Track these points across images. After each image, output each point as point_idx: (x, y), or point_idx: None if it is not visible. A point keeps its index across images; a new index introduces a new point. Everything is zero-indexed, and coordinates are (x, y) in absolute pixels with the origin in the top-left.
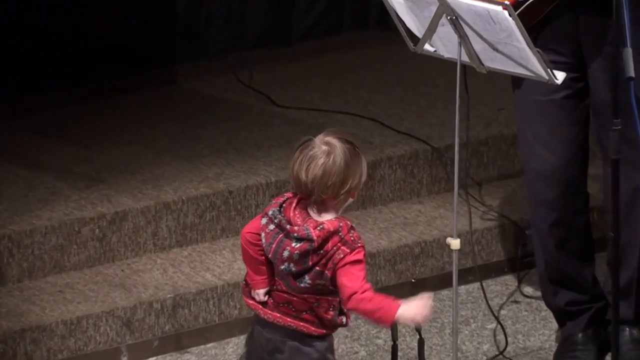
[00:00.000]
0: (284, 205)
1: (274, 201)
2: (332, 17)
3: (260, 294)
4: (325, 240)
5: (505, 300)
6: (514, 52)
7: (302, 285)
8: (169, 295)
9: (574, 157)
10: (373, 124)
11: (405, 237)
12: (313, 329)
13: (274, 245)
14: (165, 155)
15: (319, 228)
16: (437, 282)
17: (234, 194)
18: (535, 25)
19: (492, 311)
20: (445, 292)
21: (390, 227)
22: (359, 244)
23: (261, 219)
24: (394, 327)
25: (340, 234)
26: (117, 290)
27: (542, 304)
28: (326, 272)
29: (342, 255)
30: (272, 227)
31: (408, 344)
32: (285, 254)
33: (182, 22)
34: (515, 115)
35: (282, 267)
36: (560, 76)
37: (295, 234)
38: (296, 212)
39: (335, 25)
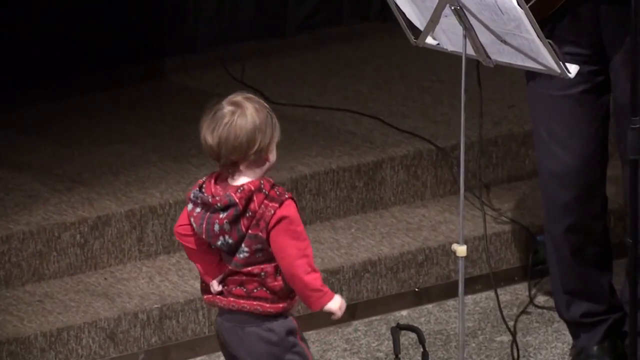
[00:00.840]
0: (204, 185)
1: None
2: (330, 7)
3: (214, 284)
4: (249, 200)
5: (516, 311)
6: (523, 44)
7: (241, 256)
8: (155, 306)
9: (592, 157)
10: (374, 122)
11: (409, 243)
12: (268, 305)
13: (204, 225)
14: (151, 155)
15: (239, 190)
16: (442, 292)
17: None
18: (552, 16)
19: (505, 321)
20: (450, 302)
21: (392, 233)
22: (286, 196)
23: (187, 207)
24: (396, 339)
25: (263, 190)
26: (100, 300)
27: (555, 315)
28: (260, 234)
29: (272, 212)
30: (198, 209)
31: (411, 357)
32: (216, 227)
33: (169, 13)
34: (530, 111)
35: (219, 243)
36: (573, 69)
37: (219, 204)
38: (217, 187)
39: (334, 15)
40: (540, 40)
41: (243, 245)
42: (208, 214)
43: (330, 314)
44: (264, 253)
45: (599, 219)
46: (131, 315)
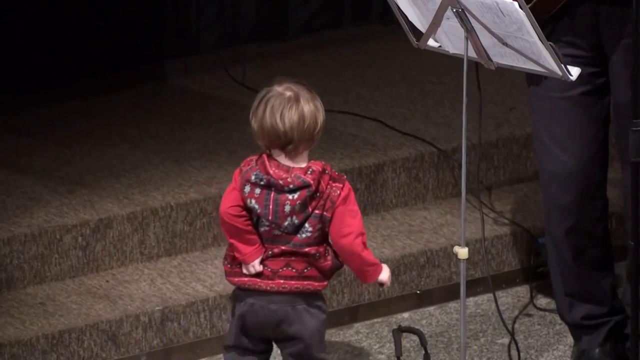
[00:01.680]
0: (257, 167)
1: (242, 170)
2: (332, 10)
3: (256, 265)
4: (319, 182)
5: (518, 314)
6: (524, 46)
7: (303, 236)
8: (157, 308)
9: (593, 159)
10: (375, 124)
11: (410, 245)
12: (317, 284)
13: (270, 206)
14: (152, 157)
15: (309, 172)
16: (443, 294)
17: None
18: (552, 17)
19: (504, 324)
20: (452, 305)
21: (393, 235)
22: (344, 176)
23: (242, 189)
24: (397, 342)
25: (327, 171)
26: (101, 302)
27: (557, 317)
28: (325, 213)
29: (338, 192)
30: (258, 190)
31: (413, 359)
32: (287, 208)
33: (170, 16)
34: (530, 113)
35: (286, 223)
36: (574, 72)
37: (291, 186)
38: (274, 169)
39: (335, 18)
40: (542, 43)
41: (307, 225)
42: (273, 195)
43: (381, 284)
44: (322, 233)
45: (600, 221)
46: (133, 318)
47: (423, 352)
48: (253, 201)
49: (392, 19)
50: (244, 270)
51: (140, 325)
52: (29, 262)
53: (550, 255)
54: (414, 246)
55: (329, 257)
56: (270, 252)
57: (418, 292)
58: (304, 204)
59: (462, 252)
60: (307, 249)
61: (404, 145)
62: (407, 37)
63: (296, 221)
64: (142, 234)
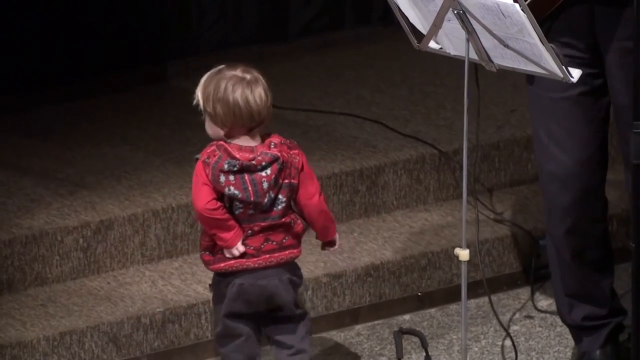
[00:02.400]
0: (225, 155)
1: (208, 162)
2: (333, 12)
3: (239, 246)
4: (282, 153)
5: (517, 315)
6: (525, 48)
7: (279, 207)
8: (158, 310)
9: (591, 159)
10: (376, 126)
11: (411, 247)
12: (295, 251)
13: (250, 188)
14: (153, 159)
15: (272, 146)
16: (444, 296)
17: None
18: (548, 17)
19: (502, 325)
20: (453, 307)
21: (394, 237)
22: (294, 141)
23: (216, 181)
24: (398, 343)
25: (283, 142)
26: (102, 304)
27: (557, 319)
28: (292, 181)
29: (297, 158)
30: (232, 177)
31: None
32: (265, 185)
33: (171, 17)
34: (530, 113)
35: (265, 200)
36: (575, 74)
37: (263, 163)
38: (239, 152)
39: (336, 20)
40: (543, 45)
41: (280, 196)
42: (247, 176)
43: (333, 244)
44: (290, 201)
45: (599, 221)
46: (134, 319)
47: (424, 354)
48: (232, 188)
49: (393, 21)
50: (227, 255)
51: (142, 327)
52: (30, 263)
53: (550, 256)
54: (415, 248)
55: (299, 221)
56: (250, 232)
57: (419, 294)
58: (277, 177)
59: (463, 253)
60: (283, 219)
61: (405, 147)
62: (408, 38)
63: (272, 195)
64: (143, 235)
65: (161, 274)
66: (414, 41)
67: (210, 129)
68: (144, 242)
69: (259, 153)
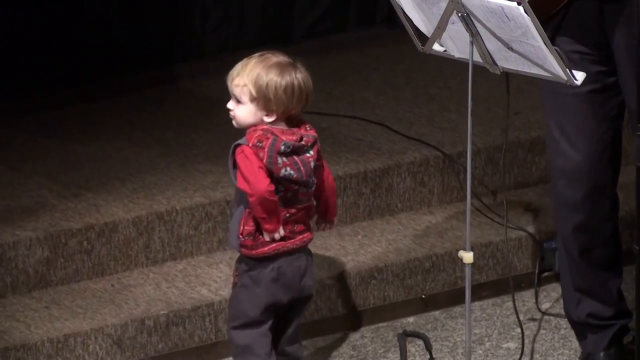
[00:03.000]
0: (276, 136)
1: (262, 145)
2: (337, 14)
3: (280, 230)
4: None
5: (523, 318)
6: (529, 50)
7: (313, 188)
8: (162, 312)
9: (601, 157)
10: (380, 128)
11: (415, 250)
12: (311, 232)
13: (302, 169)
14: (158, 161)
15: (308, 127)
16: (448, 298)
17: (231, 203)
18: (557, 14)
19: (521, 326)
20: (457, 309)
21: (399, 239)
22: None
23: (274, 163)
24: (402, 346)
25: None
26: (106, 306)
27: (562, 322)
28: (317, 162)
29: (315, 139)
30: (286, 158)
31: None
32: (312, 165)
33: (176, 20)
34: (543, 109)
35: (311, 180)
36: (579, 76)
37: (309, 144)
38: (286, 135)
39: (340, 22)
40: (547, 47)
41: (313, 178)
42: (297, 157)
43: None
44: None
45: (608, 220)
46: (138, 322)
47: (428, 356)
48: (288, 169)
49: (397, 23)
50: (267, 239)
51: (145, 330)
52: (34, 266)
53: (559, 252)
54: (419, 250)
55: (312, 202)
56: (287, 214)
57: (423, 296)
58: (318, 158)
59: (468, 256)
60: (311, 201)
61: (409, 150)
62: (413, 41)
63: (313, 177)
64: (148, 238)
65: (165, 277)
66: (418, 44)
67: (253, 115)
68: (148, 244)
69: (300, 135)
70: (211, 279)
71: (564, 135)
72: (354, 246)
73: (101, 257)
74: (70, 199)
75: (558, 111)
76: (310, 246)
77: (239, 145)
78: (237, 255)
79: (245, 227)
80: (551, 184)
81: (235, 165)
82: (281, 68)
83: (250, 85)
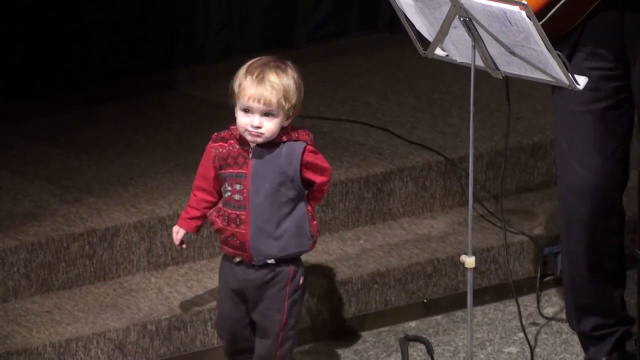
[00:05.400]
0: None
1: (310, 137)
2: (339, 19)
3: None
4: None
5: (525, 322)
6: (532, 55)
7: None
8: (164, 317)
9: (611, 174)
10: (383, 133)
11: (417, 254)
12: None
13: None
14: (159, 166)
15: None
16: (450, 303)
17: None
18: (575, 29)
19: (524, 330)
20: (459, 313)
21: (400, 244)
22: (212, 139)
23: None
24: (404, 351)
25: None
26: (108, 310)
27: (563, 326)
28: None
29: None
30: None
31: None
32: None
33: (178, 25)
34: (553, 122)
35: None
36: (582, 81)
37: None
38: None
39: (342, 27)
40: (549, 52)
41: None
42: None
43: None
44: None
45: (616, 234)
46: (140, 326)
47: None
48: None
49: (399, 28)
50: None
51: (147, 334)
52: (36, 270)
53: (564, 267)
54: (421, 255)
55: None
56: None
57: (425, 301)
58: None
59: (469, 261)
60: None
61: (411, 154)
62: (415, 46)
63: None
64: (149, 242)
65: (167, 281)
66: (420, 48)
67: (280, 124)
68: (150, 249)
69: None
70: (213, 283)
71: (574, 152)
72: (356, 251)
73: (103, 261)
74: (72, 203)
75: (569, 128)
76: (312, 251)
77: (303, 146)
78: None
79: (314, 222)
80: (560, 199)
81: (302, 166)
82: (292, 70)
83: (284, 99)
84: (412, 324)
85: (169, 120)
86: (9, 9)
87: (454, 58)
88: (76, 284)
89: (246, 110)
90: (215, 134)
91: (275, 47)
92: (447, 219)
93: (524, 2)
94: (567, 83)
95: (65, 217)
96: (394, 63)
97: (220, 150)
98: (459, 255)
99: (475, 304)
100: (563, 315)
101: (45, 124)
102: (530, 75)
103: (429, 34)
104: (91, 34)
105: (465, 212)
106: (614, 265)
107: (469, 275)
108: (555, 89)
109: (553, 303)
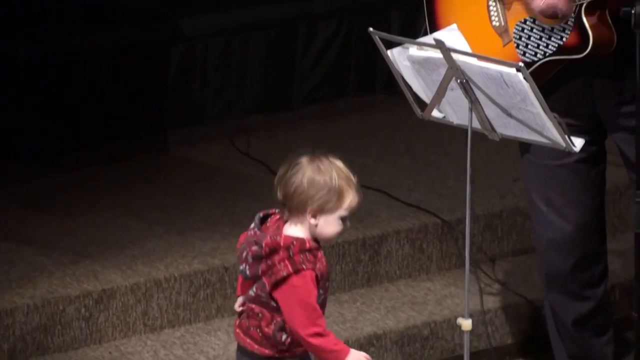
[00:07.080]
0: (269, 218)
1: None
2: (336, 80)
3: (237, 302)
4: (273, 251)
5: None
6: (528, 117)
7: (250, 292)
8: None
9: (590, 225)
10: (379, 195)
11: (414, 317)
12: (256, 347)
13: (242, 244)
14: (156, 228)
15: (272, 238)
16: None
17: (230, 270)
18: (545, 86)
19: None
20: None
21: (397, 307)
22: (306, 267)
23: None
24: None
25: (290, 250)
26: None
27: None
28: (267, 285)
29: (284, 274)
30: (250, 232)
31: None
32: (244, 254)
33: (175, 85)
34: (525, 182)
35: (241, 267)
36: (578, 143)
37: (256, 238)
38: (271, 226)
39: (339, 88)
40: (546, 114)
41: (254, 285)
42: (251, 239)
43: None
44: (267, 301)
45: (599, 285)
46: None
47: None
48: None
49: (396, 90)
50: None
51: None
52: (31, 333)
53: (549, 322)
54: (417, 318)
55: (272, 326)
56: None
57: None
58: (256, 262)
59: (466, 323)
60: (252, 306)
61: (408, 216)
62: (412, 107)
63: (247, 273)
64: (146, 305)
65: (163, 344)
66: (417, 110)
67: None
68: (146, 311)
69: (268, 234)
70: (209, 346)
71: (552, 207)
72: (353, 313)
73: (99, 324)
74: (68, 265)
75: (544, 183)
76: None
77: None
78: (232, 321)
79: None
80: (538, 255)
81: None
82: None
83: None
84: None
85: (166, 182)
86: (3, 72)
87: (450, 120)
88: (72, 347)
89: (345, 218)
90: (295, 256)
91: (273, 109)
92: (443, 281)
93: (520, 63)
94: (564, 145)
95: (61, 280)
96: (391, 124)
97: (319, 265)
98: (456, 317)
99: None
100: None
101: (41, 186)
102: (527, 137)
103: (425, 95)
104: (86, 96)
105: (462, 274)
106: (599, 318)
107: (466, 338)
108: (525, 147)
109: None
